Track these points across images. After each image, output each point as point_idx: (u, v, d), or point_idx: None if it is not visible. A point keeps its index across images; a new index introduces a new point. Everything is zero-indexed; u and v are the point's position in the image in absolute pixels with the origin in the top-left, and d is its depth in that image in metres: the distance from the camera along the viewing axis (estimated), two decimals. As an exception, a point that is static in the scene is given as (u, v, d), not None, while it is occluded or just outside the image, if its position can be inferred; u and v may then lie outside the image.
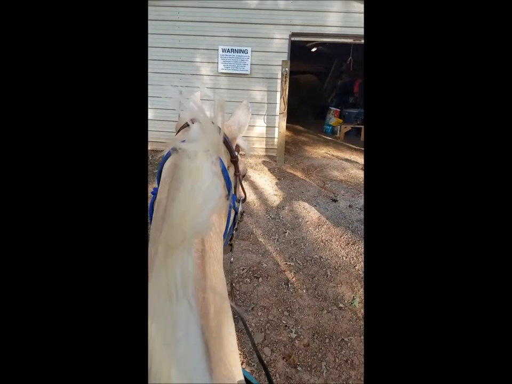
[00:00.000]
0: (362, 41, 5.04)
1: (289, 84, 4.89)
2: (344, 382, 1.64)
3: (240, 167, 0.64)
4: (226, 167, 0.55)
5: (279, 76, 4.99)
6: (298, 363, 1.74)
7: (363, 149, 6.24)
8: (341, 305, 2.14)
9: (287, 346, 1.83)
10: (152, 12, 4.71)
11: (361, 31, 4.89)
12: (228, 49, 5.05)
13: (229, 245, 0.75)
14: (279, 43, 5.00)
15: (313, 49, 7.89)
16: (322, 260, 2.66)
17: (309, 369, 1.70)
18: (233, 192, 0.60)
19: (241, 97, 5.32)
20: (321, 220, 3.36)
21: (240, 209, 0.65)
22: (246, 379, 0.56)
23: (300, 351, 1.81)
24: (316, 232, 3.12)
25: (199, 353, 0.32)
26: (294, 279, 2.41)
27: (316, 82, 10.16)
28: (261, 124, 5.43)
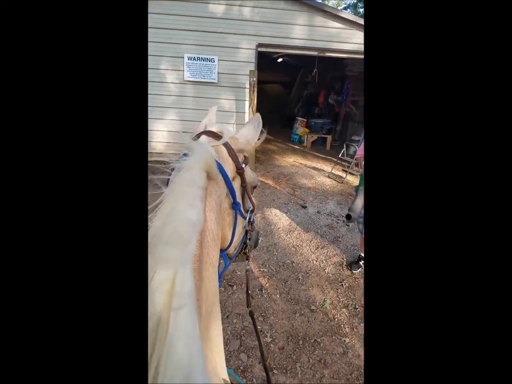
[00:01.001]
0: (327, 54, 5.34)
1: (257, 93, 5.01)
2: (318, 381, 1.71)
3: (248, 178, 0.66)
4: (231, 178, 0.58)
5: (247, 85, 5.10)
6: (274, 366, 1.78)
7: (329, 157, 6.54)
8: (312, 307, 2.22)
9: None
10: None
11: (324, 44, 5.17)
12: (194, 57, 5.05)
13: (243, 253, 0.76)
14: (246, 53, 5.11)
15: (280, 60, 8.15)
16: (294, 264, 2.74)
17: (284, 371, 1.75)
18: (239, 202, 0.62)
19: (208, 106, 5.29)
20: (292, 226, 3.46)
21: (248, 218, 0.67)
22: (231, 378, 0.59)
23: (275, 355, 1.85)
24: (287, 238, 3.21)
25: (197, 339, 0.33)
26: (267, 284, 2.46)
27: (283, 92, 10.46)
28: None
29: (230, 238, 0.63)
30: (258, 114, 0.72)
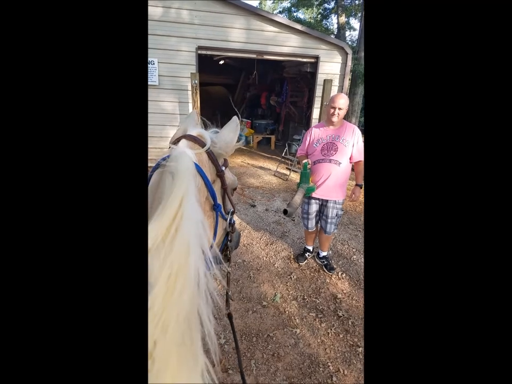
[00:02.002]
0: (264, 56, 5.51)
1: (201, 95, 4.96)
2: (273, 375, 1.76)
3: (228, 180, 0.68)
4: (211, 181, 0.59)
5: (189, 87, 5.03)
6: (229, 367, 1.78)
7: (274, 156, 6.74)
8: (264, 303, 2.28)
9: (217, 352, 1.86)
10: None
11: (262, 47, 5.31)
12: (133, 59, 4.84)
13: (224, 255, 0.76)
14: (187, 55, 5.04)
15: (221, 62, 8.16)
16: (245, 263, 2.78)
17: (239, 370, 1.77)
18: (220, 203, 0.63)
19: (150, 108, 5.14)
20: (242, 226, 3.50)
21: (229, 220, 0.68)
22: None
23: (230, 355, 1.86)
24: (237, 238, 3.24)
25: None
26: (220, 286, 2.45)
27: (227, 94, 10.50)
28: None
29: (211, 240, 0.64)
30: (235, 118, 0.72)
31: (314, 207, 2.49)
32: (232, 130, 0.69)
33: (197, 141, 0.60)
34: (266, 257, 2.89)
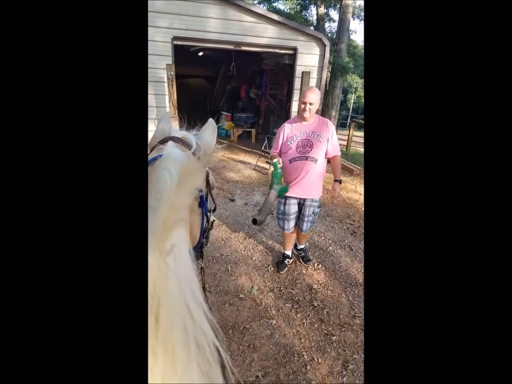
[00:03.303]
0: (242, 47, 5.44)
1: (180, 87, 4.86)
2: (248, 366, 1.78)
3: (210, 180, 0.71)
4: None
5: (165, 79, 4.90)
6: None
7: (254, 150, 6.73)
8: (241, 295, 2.29)
9: (193, 347, 1.86)
10: None
11: (240, 38, 5.23)
12: (104, 49, 4.67)
13: (200, 252, 0.78)
14: (162, 46, 4.89)
15: (200, 54, 8.01)
16: (223, 257, 2.78)
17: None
18: (205, 201, 0.66)
19: (126, 101, 4.98)
20: (221, 220, 3.49)
21: (211, 218, 0.70)
22: None
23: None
24: (216, 232, 3.22)
25: None
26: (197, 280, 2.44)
27: (206, 87, 10.33)
28: (152, 127, 5.19)
29: (198, 237, 0.67)
30: (211, 120, 0.77)
31: (293, 208, 2.36)
32: (211, 132, 0.74)
33: (183, 143, 0.63)
34: (244, 251, 2.89)
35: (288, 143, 2.24)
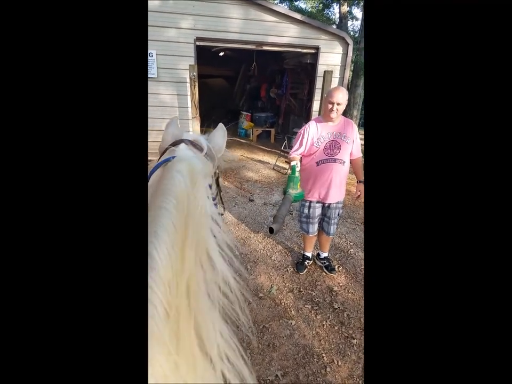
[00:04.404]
0: (264, 47, 5.44)
1: (200, 87, 4.93)
2: (268, 365, 1.79)
3: (219, 183, 0.75)
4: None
5: (188, 79, 4.99)
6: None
7: (273, 150, 6.73)
8: (260, 294, 2.30)
9: (213, 343, 1.90)
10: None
11: (261, 38, 5.24)
12: (131, 51, 4.82)
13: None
14: (185, 47, 4.98)
15: (221, 54, 8.09)
16: (242, 255, 2.80)
17: (235, 360, 1.80)
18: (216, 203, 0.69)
19: (150, 101, 5.11)
20: (240, 219, 3.52)
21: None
22: None
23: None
24: (236, 231, 3.25)
25: None
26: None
27: (227, 86, 10.42)
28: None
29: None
30: (221, 124, 0.79)
31: (318, 211, 2.31)
32: (221, 136, 0.75)
33: (195, 145, 0.64)
34: (263, 250, 2.90)
35: (314, 145, 2.13)
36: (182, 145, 0.62)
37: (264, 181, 4.86)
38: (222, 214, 0.76)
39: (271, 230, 1.64)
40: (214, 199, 0.66)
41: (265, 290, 2.35)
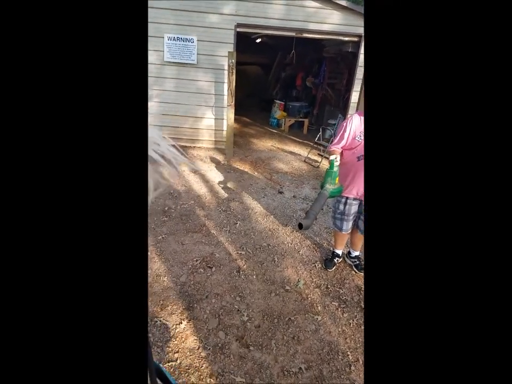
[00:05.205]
0: (304, 34, 5.29)
1: (236, 75, 4.93)
2: (292, 357, 1.83)
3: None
4: None
5: (226, 67, 4.99)
6: (251, 343, 1.88)
7: (306, 141, 6.62)
8: (287, 287, 2.34)
9: (239, 328, 1.97)
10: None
11: (302, 25, 5.09)
12: (174, 37, 4.89)
13: None
14: (225, 33, 4.96)
15: (258, 40, 7.97)
16: (270, 247, 2.84)
17: (260, 348, 1.86)
18: None
19: (188, 87, 5.20)
20: (269, 210, 3.54)
21: None
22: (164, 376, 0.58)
23: (252, 332, 1.95)
24: (264, 222, 3.29)
25: None
26: (245, 266, 2.55)
27: (261, 74, 10.29)
28: (210, 115, 5.41)
29: None
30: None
31: (354, 209, 2.26)
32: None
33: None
34: (291, 244, 2.92)
35: (357, 138, 2.04)
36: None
37: (295, 173, 4.82)
38: None
39: (300, 226, 1.57)
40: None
41: (291, 284, 2.38)
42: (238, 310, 2.10)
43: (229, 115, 5.06)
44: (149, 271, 2.41)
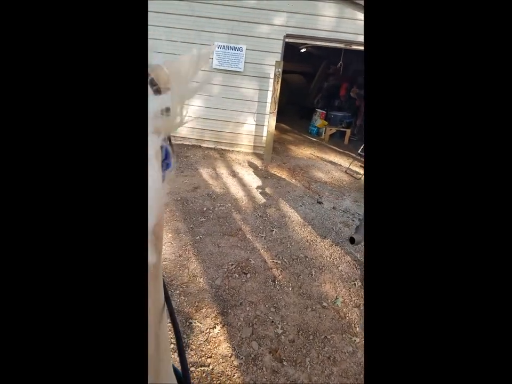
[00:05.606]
0: (353, 46, 5.20)
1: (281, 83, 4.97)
2: (327, 378, 1.74)
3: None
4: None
5: (271, 75, 5.06)
6: (284, 358, 1.82)
7: (346, 152, 6.44)
8: (324, 304, 2.25)
9: (273, 341, 1.92)
10: (152, 4, 4.62)
11: (351, 37, 5.03)
12: (223, 45, 5.06)
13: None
14: (274, 43, 5.05)
15: (303, 50, 7.97)
16: (307, 259, 2.76)
17: (294, 364, 1.79)
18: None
19: (233, 94, 5.32)
20: (306, 220, 3.47)
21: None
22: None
23: (286, 346, 1.89)
24: (301, 231, 3.22)
25: None
26: (280, 276, 2.50)
27: (303, 83, 10.28)
28: (251, 121, 5.48)
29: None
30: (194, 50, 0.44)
31: None
32: (188, 61, 0.42)
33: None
34: (330, 258, 2.82)
35: None
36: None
37: (335, 184, 4.70)
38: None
39: (352, 240, 1.56)
40: (167, 165, 0.40)
41: (329, 301, 2.29)
42: (273, 321, 2.05)
43: (270, 122, 5.09)
44: (186, 271, 2.45)
